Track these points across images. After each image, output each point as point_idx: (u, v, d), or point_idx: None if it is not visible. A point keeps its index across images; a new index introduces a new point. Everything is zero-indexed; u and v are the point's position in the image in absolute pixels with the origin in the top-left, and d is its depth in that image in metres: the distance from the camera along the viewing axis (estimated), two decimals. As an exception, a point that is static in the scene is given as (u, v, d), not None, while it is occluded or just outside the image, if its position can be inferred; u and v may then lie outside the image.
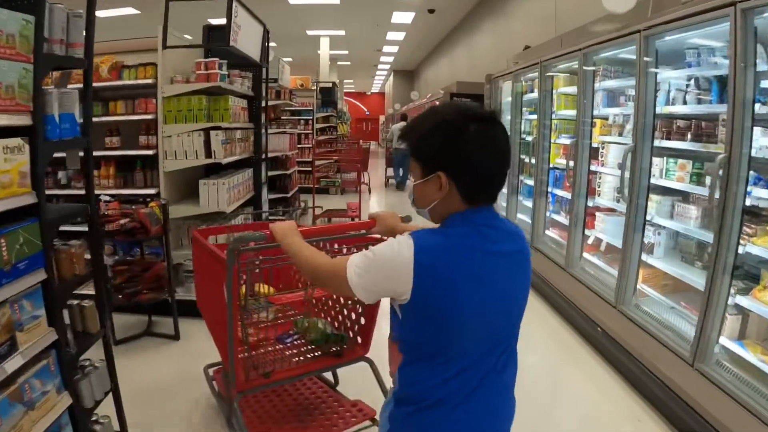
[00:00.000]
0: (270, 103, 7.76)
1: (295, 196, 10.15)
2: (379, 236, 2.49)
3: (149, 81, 5.28)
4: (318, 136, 13.99)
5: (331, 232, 2.69)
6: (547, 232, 6.70)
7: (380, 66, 31.13)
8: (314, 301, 3.03)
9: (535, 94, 7.06)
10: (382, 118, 35.86)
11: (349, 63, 28.85)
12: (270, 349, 2.96)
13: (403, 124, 15.89)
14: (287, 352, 2.97)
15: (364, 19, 17.98)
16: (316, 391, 3.55)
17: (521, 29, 11.54)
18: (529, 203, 7.31)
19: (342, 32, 20.28)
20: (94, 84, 5.45)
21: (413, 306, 1.50)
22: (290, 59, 19.27)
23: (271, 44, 9.28)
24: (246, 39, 5.70)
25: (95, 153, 5.16)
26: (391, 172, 16.76)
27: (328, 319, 3.27)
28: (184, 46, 5.47)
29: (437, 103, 13.85)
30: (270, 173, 8.41)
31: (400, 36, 21.36)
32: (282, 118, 10.05)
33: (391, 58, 27.98)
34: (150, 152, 5.35)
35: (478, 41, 16.11)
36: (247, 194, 6.16)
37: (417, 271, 1.46)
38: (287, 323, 3.17)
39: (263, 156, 6.62)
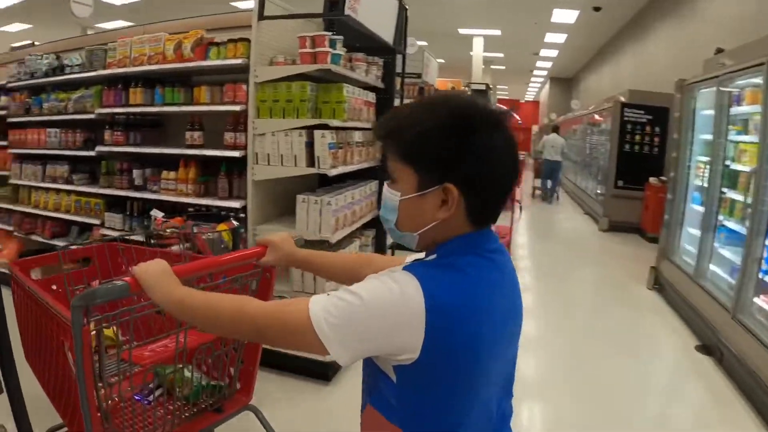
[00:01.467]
0: (408, 101, 6.37)
1: None
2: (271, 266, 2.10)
3: (239, 61, 4.04)
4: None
5: (211, 267, 2.08)
6: (756, 300, 4.63)
7: (536, 72, 29.46)
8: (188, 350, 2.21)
9: (745, 108, 5.21)
10: (534, 128, 34.54)
11: (503, 67, 27.49)
12: (128, 411, 2.17)
13: (555, 136, 15.07)
14: (155, 414, 2.26)
15: (522, 18, 16.47)
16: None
17: (706, 32, 9.44)
18: (730, 254, 5.32)
19: (497, 32, 18.88)
20: (175, 64, 4.38)
21: (419, 369, 1.19)
22: (442, 60, 18.02)
23: (420, 43, 8.14)
24: (373, 12, 4.42)
25: (173, 151, 4.15)
26: (538, 183, 16.44)
27: (197, 364, 2.41)
28: (286, 16, 4.19)
29: (599, 116, 11.69)
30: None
31: (560, 38, 19.58)
32: None
33: (548, 64, 26.38)
34: (237, 154, 4.14)
35: (649, 46, 14.06)
36: (367, 214, 4.78)
37: (431, 324, 1.15)
38: (143, 372, 2.28)
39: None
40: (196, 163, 4.44)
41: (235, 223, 3.64)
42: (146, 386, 2.36)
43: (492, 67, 26.43)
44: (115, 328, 2.29)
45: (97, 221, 5.22)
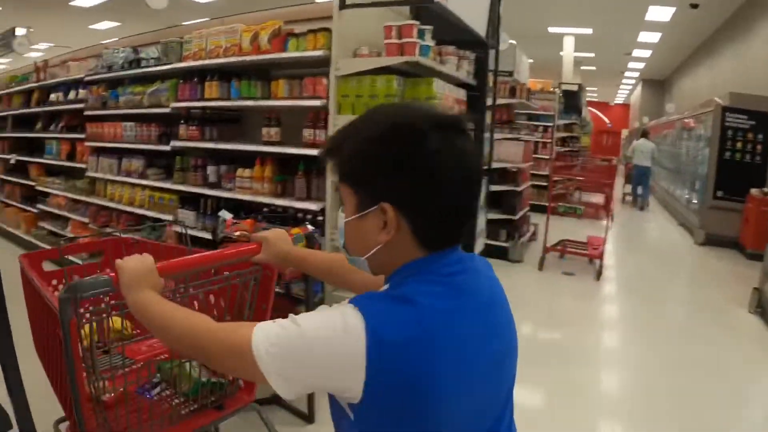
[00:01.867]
0: (501, 101, 5.98)
1: (524, 218, 8.15)
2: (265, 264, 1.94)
3: (320, 53, 3.73)
4: (556, 147, 11.97)
5: (199, 264, 1.98)
6: None
7: (627, 73, 28.25)
8: None
9: None
10: (624, 132, 33.11)
11: (593, 68, 26.30)
12: (132, 405, 2.16)
13: (644, 140, 14.41)
14: (155, 409, 2.18)
15: (615, 15, 15.62)
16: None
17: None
18: None
19: (589, 30, 18.03)
20: (251, 57, 4.02)
21: (370, 410, 1.08)
22: (530, 60, 17.51)
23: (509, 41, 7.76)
24: (464, 1, 4.00)
25: (249, 147, 3.94)
26: (628, 188, 16.01)
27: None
28: (370, 4, 3.84)
29: (695, 121, 10.93)
30: (495, 188, 6.89)
31: (654, 37, 18.61)
32: (516, 121, 8.42)
33: (641, 65, 25.24)
34: (316, 152, 3.80)
35: (751, 45, 13.04)
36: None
37: (372, 364, 1.03)
38: (144, 367, 2.34)
39: (484, 168, 4.77)
40: (273, 161, 4.15)
41: (310, 227, 3.33)
42: (150, 380, 2.33)
43: (582, 68, 25.42)
44: (126, 321, 2.40)
45: (169, 217, 5.02)
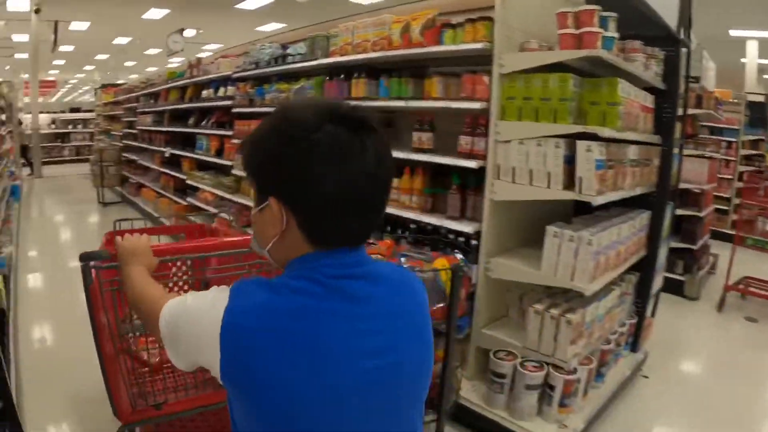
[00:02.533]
0: (689, 110, 5.14)
1: (704, 248, 6.85)
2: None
3: (479, 46, 3.18)
4: (740, 166, 10.61)
5: (195, 250, 2.15)
6: None
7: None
8: None
9: None
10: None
11: (781, 77, 23.68)
12: (168, 374, 2.40)
13: None
14: (189, 380, 2.39)
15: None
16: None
17: None
18: None
19: (776, 34, 16.05)
20: (401, 51, 3.46)
21: (227, 386, 1.12)
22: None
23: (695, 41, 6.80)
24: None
25: (397, 154, 3.57)
26: None
27: None
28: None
29: None
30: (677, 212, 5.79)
31: None
32: (699, 135, 7.39)
33: (837, 72, 22.31)
34: (473, 164, 3.28)
35: None
36: (633, 256, 3.64)
37: (224, 340, 1.07)
38: None
39: (671, 191, 4.00)
40: (424, 171, 3.65)
41: (458, 256, 2.78)
42: None
43: (765, 76, 23.13)
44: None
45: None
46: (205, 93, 7.10)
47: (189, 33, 14.42)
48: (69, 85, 33.17)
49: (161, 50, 12.66)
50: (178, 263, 2.31)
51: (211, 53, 10.38)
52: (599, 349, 3.47)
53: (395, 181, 3.74)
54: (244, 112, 5.82)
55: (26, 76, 19.85)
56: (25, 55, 16.73)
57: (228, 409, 1.19)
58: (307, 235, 1.14)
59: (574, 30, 2.97)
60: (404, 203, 3.69)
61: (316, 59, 4.47)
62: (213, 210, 6.63)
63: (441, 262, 2.66)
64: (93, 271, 1.96)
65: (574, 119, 2.99)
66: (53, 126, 22.30)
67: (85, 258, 1.94)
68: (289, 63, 4.91)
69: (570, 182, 2.97)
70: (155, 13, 14.21)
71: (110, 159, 12.30)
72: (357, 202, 1.12)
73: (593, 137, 2.91)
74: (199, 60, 7.59)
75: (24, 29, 14.86)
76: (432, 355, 1.28)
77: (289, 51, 5.00)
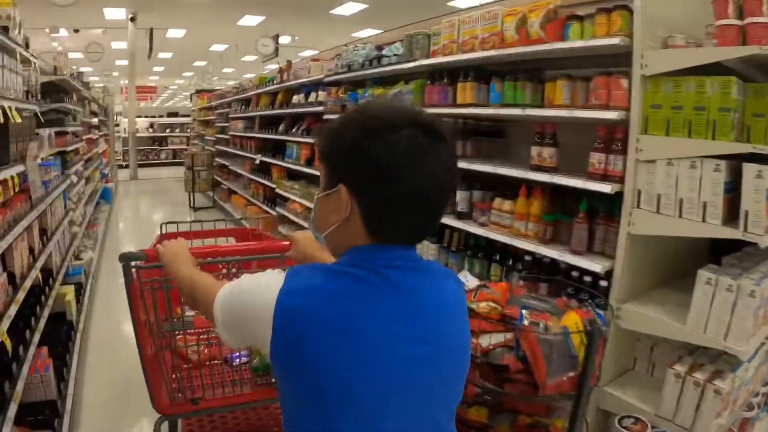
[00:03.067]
0: None
1: None
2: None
3: (615, 41, 2.60)
4: None
5: (230, 253, 2.26)
6: None
7: None
8: None
9: None
10: None
11: None
12: (208, 370, 2.51)
13: None
14: (226, 378, 2.52)
15: None
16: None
17: None
18: None
19: None
20: (516, 48, 2.86)
21: (277, 366, 1.19)
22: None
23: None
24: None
25: (511, 172, 3.34)
26: None
27: None
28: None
29: None
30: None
31: None
32: None
33: None
34: (606, 188, 2.68)
35: None
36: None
37: (277, 318, 1.13)
38: None
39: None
40: (544, 194, 3.08)
41: (593, 311, 2.20)
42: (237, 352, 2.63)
43: None
44: None
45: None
46: (295, 98, 6.78)
47: (284, 40, 14.41)
48: (169, 91, 34.48)
49: (257, 57, 12.70)
50: (219, 266, 2.36)
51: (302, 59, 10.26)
52: (741, 417, 2.80)
53: (509, 203, 3.21)
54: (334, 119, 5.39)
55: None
56: (125, 62, 17.29)
57: (277, 404, 1.37)
58: (367, 226, 1.20)
59: (737, 21, 2.37)
60: (518, 231, 3.14)
61: (414, 60, 3.99)
62: (303, 222, 6.30)
63: (572, 319, 2.08)
64: (133, 270, 2.05)
65: (738, 134, 2.38)
66: (151, 130, 23.04)
67: (124, 258, 2.03)
68: (384, 65, 4.45)
69: (733, 214, 2.35)
70: (250, 20, 14.40)
71: (202, 164, 12.33)
72: (422, 203, 1.18)
73: (762, 159, 2.27)
74: (289, 63, 7.28)
75: (122, 37, 15.42)
76: (468, 357, 1.33)
77: (384, 52, 4.55)
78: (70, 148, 6.06)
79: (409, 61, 4.07)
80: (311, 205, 5.82)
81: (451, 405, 1.29)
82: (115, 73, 23.24)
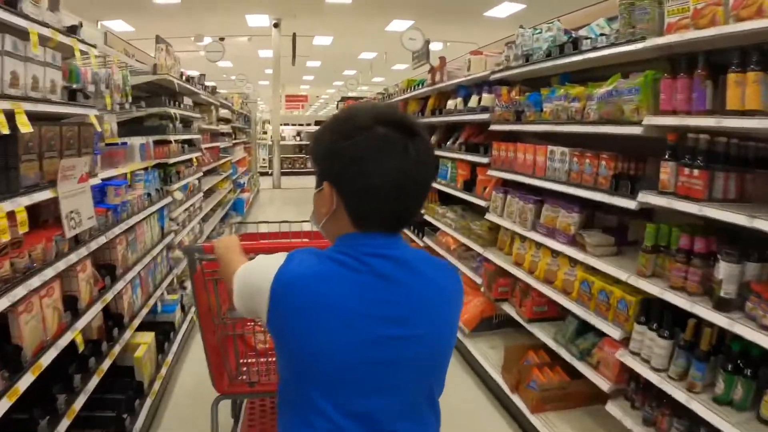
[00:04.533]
0: None
1: None
2: None
3: None
4: None
5: (279, 249, 2.02)
6: None
7: None
8: None
9: None
10: None
11: None
12: (262, 362, 2.78)
13: None
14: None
15: None
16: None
17: None
18: None
19: None
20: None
21: (272, 335, 1.39)
22: None
23: None
24: None
25: (662, 200, 2.61)
26: None
27: None
28: None
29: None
30: None
31: None
32: None
33: None
34: None
35: None
36: None
37: (273, 293, 1.32)
38: None
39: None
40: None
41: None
42: None
43: None
44: None
45: (615, 330, 2.81)
46: (450, 103, 5.50)
47: (435, 46, 14.00)
48: (321, 100, 35.53)
49: (408, 65, 12.08)
50: None
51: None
52: None
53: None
54: (507, 130, 4.13)
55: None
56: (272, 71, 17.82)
57: None
58: (351, 217, 1.35)
59: None
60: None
61: (638, 41, 2.59)
62: (455, 260, 5.03)
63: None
64: (197, 262, 2.36)
65: None
66: (298, 138, 23.28)
67: (188, 251, 2.38)
68: (585, 51, 3.05)
69: None
70: (399, 25, 14.23)
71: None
72: (393, 193, 1.30)
73: None
74: (443, 61, 6.01)
75: (267, 45, 16.13)
76: (450, 348, 1.46)
77: (582, 33, 3.16)
78: (174, 160, 5.21)
79: (629, 43, 2.67)
80: (468, 243, 4.57)
81: (429, 390, 1.40)
82: (265, 82, 23.93)
